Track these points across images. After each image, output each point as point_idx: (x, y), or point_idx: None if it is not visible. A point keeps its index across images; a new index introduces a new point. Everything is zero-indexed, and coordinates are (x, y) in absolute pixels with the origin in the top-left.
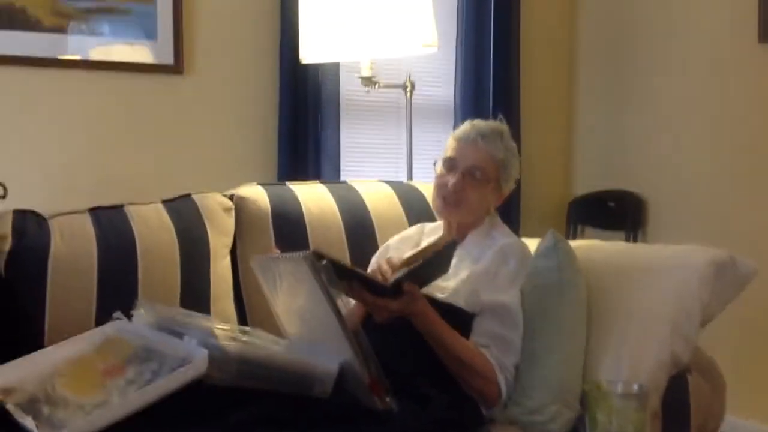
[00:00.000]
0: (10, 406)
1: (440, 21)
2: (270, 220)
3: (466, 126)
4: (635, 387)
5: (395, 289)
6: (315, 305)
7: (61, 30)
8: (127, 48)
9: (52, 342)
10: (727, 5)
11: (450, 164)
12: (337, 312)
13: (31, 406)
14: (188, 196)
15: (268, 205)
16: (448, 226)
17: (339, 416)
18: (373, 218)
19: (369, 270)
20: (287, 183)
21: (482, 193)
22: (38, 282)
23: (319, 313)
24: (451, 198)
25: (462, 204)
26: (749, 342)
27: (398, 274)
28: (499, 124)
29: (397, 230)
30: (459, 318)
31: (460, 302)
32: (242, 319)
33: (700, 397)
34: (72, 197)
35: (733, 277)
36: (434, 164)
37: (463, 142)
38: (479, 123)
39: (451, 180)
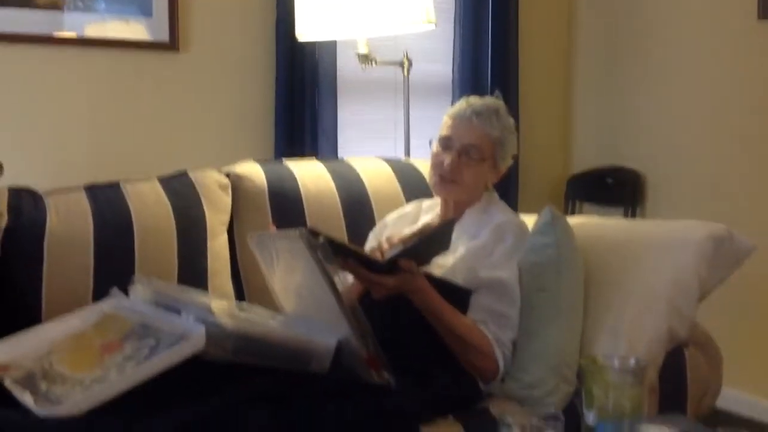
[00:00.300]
0: (7, 382)
1: None
2: (267, 197)
3: (461, 103)
4: (632, 361)
5: (391, 266)
6: (312, 282)
7: (56, 7)
8: (122, 25)
9: (49, 319)
10: None
11: (445, 143)
12: (334, 288)
13: (28, 381)
14: (185, 173)
15: (265, 183)
16: (445, 204)
17: (337, 392)
18: (371, 195)
19: (367, 247)
20: (284, 160)
21: (478, 171)
22: (34, 259)
23: (316, 290)
24: (447, 177)
25: (458, 182)
26: (745, 316)
27: (393, 251)
28: (494, 101)
29: (395, 207)
30: (456, 294)
31: (458, 279)
32: (240, 296)
33: (697, 371)
34: (68, 175)
35: (731, 252)
36: (430, 143)
37: (458, 120)
38: (474, 100)
39: (447, 159)
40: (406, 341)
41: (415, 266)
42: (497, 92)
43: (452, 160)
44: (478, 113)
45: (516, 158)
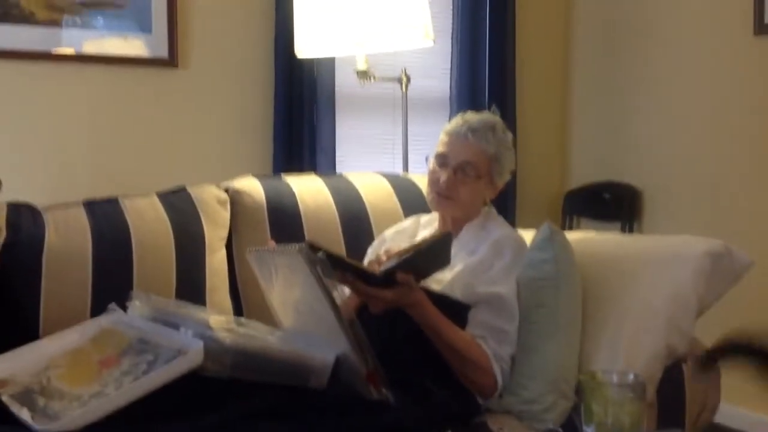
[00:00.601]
0: (5, 398)
1: (436, 14)
2: (265, 212)
3: (457, 120)
4: (630, 377)
5: (386, 279)
6: (311, 297)
7: (55, 23)
8: (121, 41)
9: (48, 334)
10: None
11: (442, 160)
12: (333, 304)
13: (26, 397)
14: (183, 188)
15: (264, 198)
16: (442, 219)
17: (335, 407)
18: (369, 210)
19: (365, 261)
20: (282, 175)
21: (474, 188)
22: (33, 274)
23: (315, 305)
24: (444, 193)
25: (454, 199)
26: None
27: (389, 264)
28: (491, 117)
29: (393, 222)
30: (455, 309)
31: (456, 294)
32: (238, 311)
33: (696, 386)
34: (66, 190)
35: (729, 268)
36: (426, 160)
37: (454, 137)
38: (470, 117)
39: (443, 176)
40: (403, 356)
41: (412, 280)
42: (494, 107)
43: (448, 177)
44: (473, 130)
45: (514, 173)
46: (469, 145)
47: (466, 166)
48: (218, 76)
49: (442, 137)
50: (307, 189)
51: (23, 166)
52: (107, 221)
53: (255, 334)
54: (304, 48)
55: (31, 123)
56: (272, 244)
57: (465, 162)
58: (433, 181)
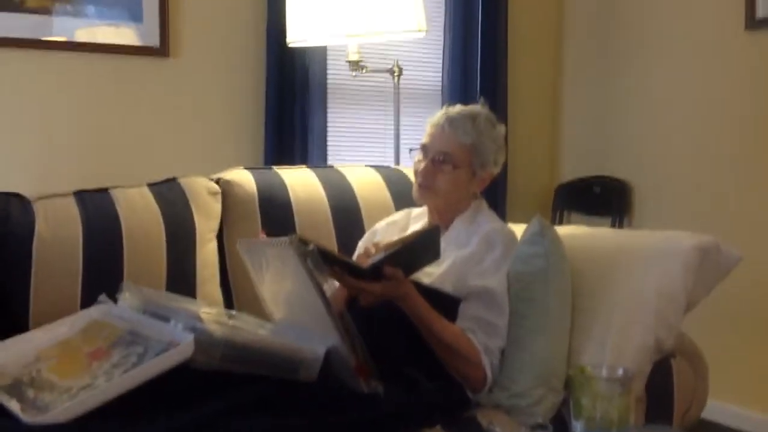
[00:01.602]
0: None
1: (428, 5)
2: (257, 204)
3: (440, 112)
4: (619, 371)
5: (374, 273)
6: (301, 289)
7: (45, 11)
8: (112, 30)
9: (37, 326)
10: None
11: (424, 150)
12: (323, 297)
13: (15, 389)
14: (174, 179)
15: (255, 190)
16: (432, 213)
17: (325, 400)
18: (360, 203)
19: (356, 254)
20: (274, 167)
21: (452, 178)
22: (23, 265)
23: (305, 298)
24: (423, 183)
25: (432, 189)
26: (732, 327)
27: (376, 258)
28: (474, 108)
29: (384, 215)
30: (445, 303)
31: (447, 287)
32: (228, 303)
33: (684, 382)
34: (57, 180)
35: (718, 263)
36: (410, 152)
37: (434, 128)
38: (452, 108)
39: (421, 166)
40: (393, 349)
41: (400, 273)
42: (481, 100)
43: (426, 166)
44: (451, 121)
45: (505, 166)
46: (446, 135)
47: (443, 156)
48: (210, 66)
49: (427, 129)
50: (299, 181)
51: (12, 154)
52: (97, 212)
53: (245, 326)
54: (296, 36)
55: (21, 111)
56: (263, 236)
57: (441, 152)
58: (415, 172)
